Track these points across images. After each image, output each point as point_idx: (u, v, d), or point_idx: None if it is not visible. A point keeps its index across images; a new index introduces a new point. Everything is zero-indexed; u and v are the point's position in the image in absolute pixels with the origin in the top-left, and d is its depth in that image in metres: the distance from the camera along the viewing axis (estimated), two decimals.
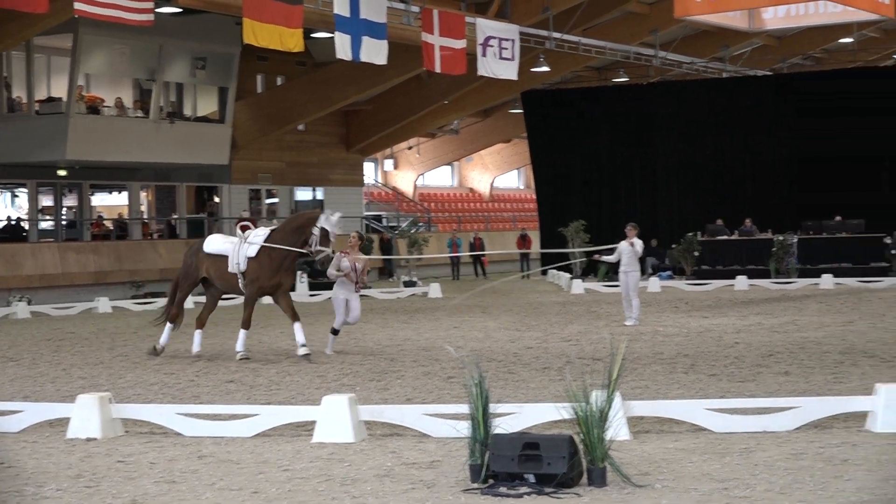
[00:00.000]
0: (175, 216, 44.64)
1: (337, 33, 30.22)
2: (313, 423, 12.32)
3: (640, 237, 25.14)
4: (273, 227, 20.75)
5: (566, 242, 41.29)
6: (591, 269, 41.72)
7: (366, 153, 53.29)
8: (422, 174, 63.39)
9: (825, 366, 17.08)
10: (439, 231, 55.05)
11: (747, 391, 14.78)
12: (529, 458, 9.68)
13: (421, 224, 50.63)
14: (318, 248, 19.66)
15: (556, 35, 39.92)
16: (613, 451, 9.92)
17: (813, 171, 43.27)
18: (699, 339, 21.27)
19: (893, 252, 38.53)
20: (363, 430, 12.29)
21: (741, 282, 36.09)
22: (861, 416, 12.23)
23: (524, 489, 9.55)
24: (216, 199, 46.34)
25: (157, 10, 30.58)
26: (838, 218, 40.29)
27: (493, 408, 10.19)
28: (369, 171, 59.19)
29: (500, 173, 68.87)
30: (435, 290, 37.54)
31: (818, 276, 36.24)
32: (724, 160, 44.77)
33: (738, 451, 11.04)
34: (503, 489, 9.58)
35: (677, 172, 45.42)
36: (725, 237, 40.76)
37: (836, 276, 36.27)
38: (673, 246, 40.71)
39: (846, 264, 38.34)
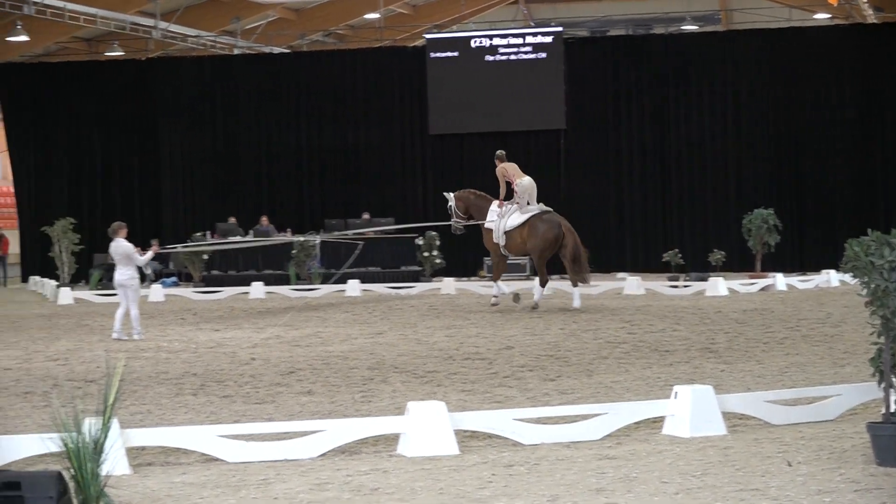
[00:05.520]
0: None
1: None
2: None
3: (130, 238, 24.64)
4: None
5: (52, 244, 40.60)
6: (82, 275, 41.20)
7: None
8: None
9: (353, 383, 17.49)
10: None
11: (265, 414, 14.94)
12: (9, 500, 9.47)
13: None
14: None
15: None
16: (110, 487, 9.81)
17: (337, 163, 44.35)
18: (210, 356, 21.31)
19: (426, 254, 39.97)
20: None
21: (257, 289, 36.43)
22: (393, 439, 12.60)
23: None
24: None
25: None
26: (366, 216, 41.35)
27: None
28: None
29: None
30: None
31: (344, 282, 37.01)
32: (236, 150, 45.06)
33: (256, 484, 11.14)
34: None
35: (183, 162, 45.32)
36: (240, 238, 40.99)
37: (363, 281, 37.18)
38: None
39: (375, 268, 39.38)
